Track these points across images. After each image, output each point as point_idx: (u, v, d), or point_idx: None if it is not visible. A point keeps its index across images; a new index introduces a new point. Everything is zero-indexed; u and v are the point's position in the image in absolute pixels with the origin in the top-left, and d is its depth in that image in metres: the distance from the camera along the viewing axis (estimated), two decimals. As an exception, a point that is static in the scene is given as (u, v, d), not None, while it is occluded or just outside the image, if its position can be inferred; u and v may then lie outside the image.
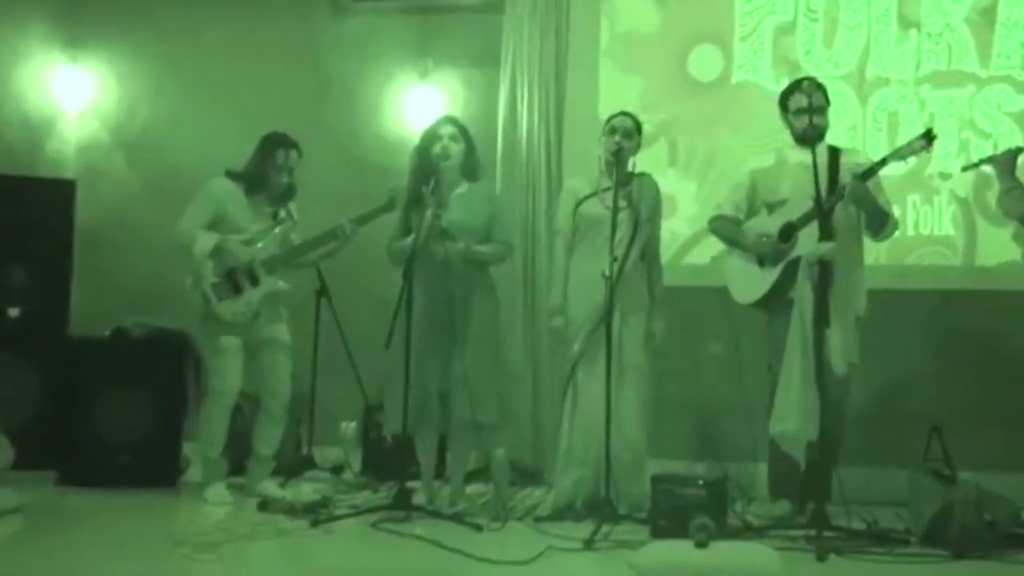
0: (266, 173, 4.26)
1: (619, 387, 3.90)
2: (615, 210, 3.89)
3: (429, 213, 3.90)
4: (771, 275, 3.93)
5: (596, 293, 3.86)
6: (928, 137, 3.73)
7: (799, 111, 3.94)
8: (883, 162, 3.80)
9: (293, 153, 4.31)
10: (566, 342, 4.06)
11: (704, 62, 5.07)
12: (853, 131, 4.87)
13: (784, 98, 4.09)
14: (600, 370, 3.78)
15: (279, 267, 4.28)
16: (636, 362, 4.01)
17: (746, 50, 5.05)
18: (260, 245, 4.25)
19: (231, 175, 4.29)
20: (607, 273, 3.79)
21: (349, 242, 4.27)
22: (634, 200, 4.07)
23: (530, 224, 5.10)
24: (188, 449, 4.63)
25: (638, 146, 4.15)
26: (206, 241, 4.16)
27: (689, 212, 5.02)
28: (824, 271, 3.57)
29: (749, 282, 4.02)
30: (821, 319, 3.55)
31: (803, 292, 3.62)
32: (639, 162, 4.13)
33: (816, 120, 3.89)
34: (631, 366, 3.99)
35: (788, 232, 3.90)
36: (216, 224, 4.23)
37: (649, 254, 4.14)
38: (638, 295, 4.08)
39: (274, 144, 4.29)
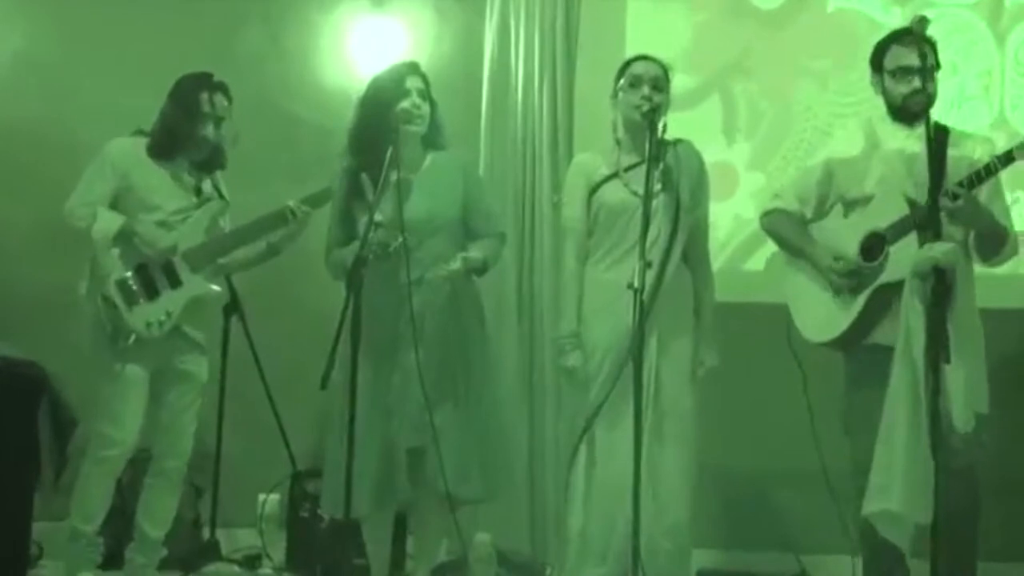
0: (189, 128, 4.28)
1: (657, 444, 3.90)
2: (648, 195, 3.86)
3: (371, 221, 3.85)
4: (851, 307, 3.90)
5: (623, 313, 3.83)
6: None
7: (901, 71, 3.93)
8: (1007, 158, 3.68)
9: (219, 97, 4.32)
10: (585, 385, 4.05)
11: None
12: (987, 77, 4.95)
13: (877, 55, 4.05)
14: (630, 422, 3.76)
15: (205, 262, 4.29)
16: (681, 408, 3.99)
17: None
18: (180, 231, 4.26)
19: (141, 135, 4.30)
20: (635, 283, 3.77)
21: (301, 232, 4.29)
22: (673, 179, 4.07)
23: (528, 214, 5.13)
24: (41, 531, 4.62)
25: (668, 103, 4.16)
26: (110, 221, 4.16)
27: (752, 198, 5.07)
28: (941, 285, 3.57)
29: (821, 312, 3.98)
30: (938, 353, 3.54)
31: (911, 315, 3.59)
32: (672, 124, 4.08)
33: (925, 85, 3.86)
34: (674, 413, 3.97)
35: (875, 245, 3.87)
36: (119, 201, 4.24)
37: (695, 253, 4.14)
38: (681, 312, 4.06)
39: (193, 87, 4.30)
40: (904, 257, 3.72)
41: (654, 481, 3.86)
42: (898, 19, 4.86)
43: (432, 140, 4.17)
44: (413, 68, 4.18)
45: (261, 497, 5.13)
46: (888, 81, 3.99)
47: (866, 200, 3.95)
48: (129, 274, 4.17)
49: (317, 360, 3.68)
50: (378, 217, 3.84)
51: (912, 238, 3.75)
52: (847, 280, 3.90)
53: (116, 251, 4.17)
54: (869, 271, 3.86)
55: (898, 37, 3.99)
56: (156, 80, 4.48)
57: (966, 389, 3.58)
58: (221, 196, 4.40)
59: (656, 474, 3.88)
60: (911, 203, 3.78)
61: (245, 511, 5.12)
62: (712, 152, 4.31)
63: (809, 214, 4.09)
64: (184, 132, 4.28)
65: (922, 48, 3.87)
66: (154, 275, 4.21)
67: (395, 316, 3.98)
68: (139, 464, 4.47)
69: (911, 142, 3.88)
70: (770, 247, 4.81)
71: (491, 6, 5.29)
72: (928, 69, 3.88)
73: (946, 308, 3.55)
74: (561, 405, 4.79)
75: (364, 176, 4.03)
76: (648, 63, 4.12)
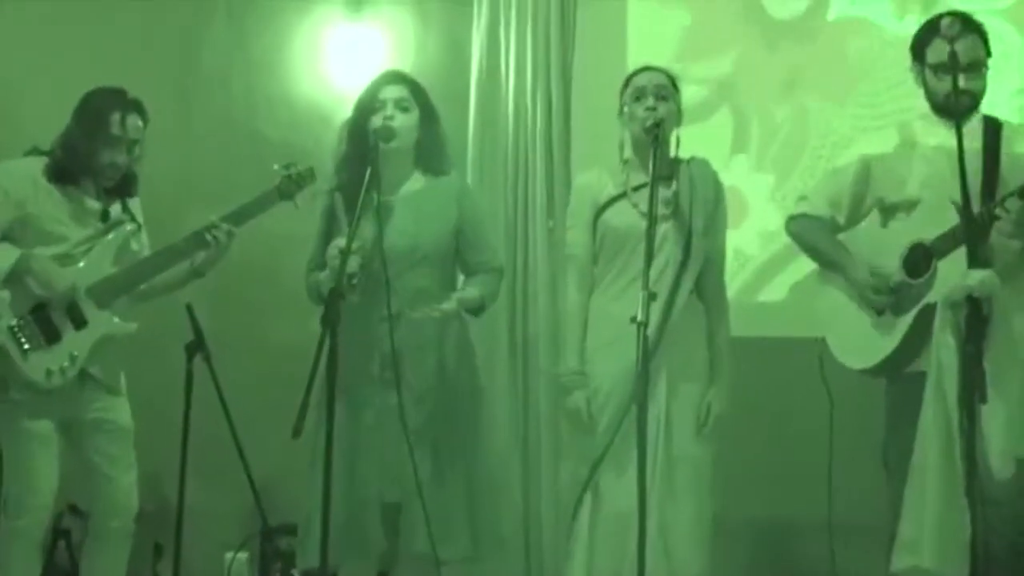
0: (93, 151, 4.19)
1: (669, 495, 3.89)
2: (652, 217, 3.84)
3: (338, 246, 3.81)
4: (895, 330, 3.84)
5: (630, 349, 3.78)
6: None
7: (940, 66, 3.90)
8: None
9: (133, 119, 4.23)
10: (589, 429, 4.03)
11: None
12: (1021, 96, 4.91)
13: (919, 45, 4.03)
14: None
15: (115, 296, 4.22)
16: (693, 455, 3.98)
17: (853, -32, 5.12)
18: (84, 264, 4.19)
19: (37, 154, 4.23)
20: (639, 316, 3.76)
21: (224, 253, 4.23)
22: (682, 201, 4.08)
23: (520, 240, 5.15)
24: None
25: (679, 114, 4.15)
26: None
27: (765, 222, 5.07)
28: (976, 316, 3.52)
29: (860, 335, 3.94)
30: (973, 391, 3.52)
31: (942, 350, 3.59)
32: (684, 142, 4.09)
33: (968, 82, 3.87)
34: (686, 461, 3.96)
35: (921, 259, 3.82)
36: (15, 232, 4.16)
37: (709, 285, 4.12)
38: (693, 350, 4.06)
39: (103, 106, 4.22)
40: (955, 272, 3.63)
41: (665, 535, 3.85)
42: (913, 27, 4.84)
43: (430, 160, 4.14)
44: (392, 77, 4.15)
45: (228, 556, 5.11)
46: (929, 76, 3.96)
47: (909, 205, 3.90)
48: (21, 320, 4.07)
49: (290, 403, 3.65)
50: (356, 244, 3.80)
51: (964, 251, 3.64)
52: (886, 298, 3.87)
53: (6, 293, 4.07)
54: (915, 289, 3.80)
55: (943, 28, 3.90)
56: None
57: (1005, 431, 3.57)
58: (133, 219, 4.31)
59: (667, 528, 3.87)
60: (961, 211, 3.66)
61: (210, 571, 5.10)
62: (722, 168, 4.31)
63: (842, 220, 4.05)
64: (87, 156, 4.19)
65: (970, 41, 3.86)
66: (53, 316, 4.11)
67: (370, 355, 3.98)
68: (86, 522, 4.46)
69: (954, 141, 3.75)
70: (787, 274, 4.85)
71: (479, 11, 5.32)
72: (969, 65, 3.86)
73: (982, 342, 3.51)
74: (560, 452, 4.79)
75: (338, 196, 4.03)
76: (651, 73, 4.13)
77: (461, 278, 4.23)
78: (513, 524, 4.88)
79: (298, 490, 4.13)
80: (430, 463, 3.93)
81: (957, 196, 3.66)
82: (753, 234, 5.12)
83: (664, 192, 3.99)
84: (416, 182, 4.13)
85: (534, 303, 5.11)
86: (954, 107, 3.79)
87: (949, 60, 3.82)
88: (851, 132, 4.94)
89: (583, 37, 5.27)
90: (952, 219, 3.70)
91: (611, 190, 4.12)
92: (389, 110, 4.04)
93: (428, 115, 4.12)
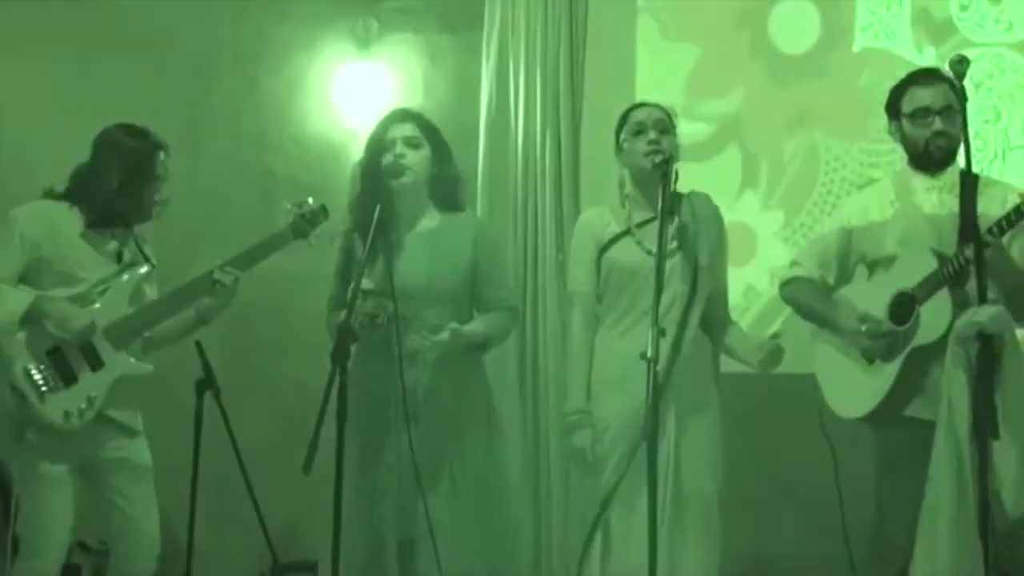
0: (139, 193, 4.21)
1: (678, 532, 3.89)
2: (661, 253, 3.83)
3: (354, 286, 3.80)
4: (885, 376, 3.92)
5: (638, 386, 3.78)
6: None
7: (920, 112, 3.98)
8: None
9: (166, 156, 4.25)
10: (595, 468, 4.03)
11: (793, 22, 5.19)
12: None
13: (893, 101, 4.10)
14: (646, 507, 3.73)
15: (131, 337, 4.21)
16: (704, 492, 3.97)
17: (875, 1, 5.15)
18: (100, 305, 4.18)
19: (53, 197, 4.19)
20: (649, 353, 3.74)
21: (230, 297, 4.23)
22: (689, 236, 4.08)
23: (530, 277, 5.16)
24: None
25: (678, 150, 4.13)
26: (14, 302, 4.06)
27: (775, 258, 5.08)
28: (987, 353, 3.54)
29: (853, 385, 4.02)
30: (985, 427, 3.52)
31: (953, 387, 3.58)
32: (683, 177, 4.08)
33: (945, 125, 3.93)
34: (695, 498, 3.95)
35: (905, 306, 3.89)
36: (31, 274, 4.14)
37: (716, 319, 4.12)
38: (701, 385, 4.05)
39: (145, 147, 4.22)
40: (938, 316, 3.75)
41: (674, 573, 3.84)
42: (932, 59, 4.90)
43: (440, 196, 4.14)
44: (401, 115, 4.16)
45: (238, 595, 5.12)
46: (907, 125, 4.04)
47: (888, 261, 3.99)
48: (38, 362, 4.04)
49: (301, 441, 3.66)
50: (367, 284, 3.81)
51: (944, 295, 3.76)
52: (877, 343, 3.93)
53: (22, 336, 4.06)
54: (901, 335, 3.87)
55: (916, 78, 4.05)
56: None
57: (1018, 468, 3.56)
58: (146, 259, 4.31)
59: (676, 565, 3.86)
60: (939, 257, 3.79)
61: (220, 610, 5.10)
62: (732, 207, 4.32)
63: (831, 279, 4.14)
64: (133, 198, 4.20)
65: (943, 88, 3.93)
66: (70, 358, 4.09)
67: (386, 393, 3.97)
68: (102, 556, 4.45)
69: (932, 195, 3.94)
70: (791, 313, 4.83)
71: (487, 48, 5.35)
72: (951, 110, 3.91)
73: (993, 378, 3.53)
74: (570, 490, 4.78)
75: (356, 236, 4.04)
76: (649, 108, 4.13)
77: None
78: (526, 563, 4.87)
79: (310, 528, 4.13)
80: (445, 501, 3.93)
81: (933, 247, 3.82)
82: (763, 271, 5.14)
83: (668, 227, 3.99)
84: (432, 219, 4.14)
85: (544, 339, 5.11)
86: (934, 157, 3.93)
87: (927, 105, 3.93)
88: (860, 168, 4.98)
89: (592, 74, 5.30)
90: (929, 266, 3.81)
91: (614, 227, 4.11)
92: (399, 148, 4.06)
93: (440, 151, 4.13)
